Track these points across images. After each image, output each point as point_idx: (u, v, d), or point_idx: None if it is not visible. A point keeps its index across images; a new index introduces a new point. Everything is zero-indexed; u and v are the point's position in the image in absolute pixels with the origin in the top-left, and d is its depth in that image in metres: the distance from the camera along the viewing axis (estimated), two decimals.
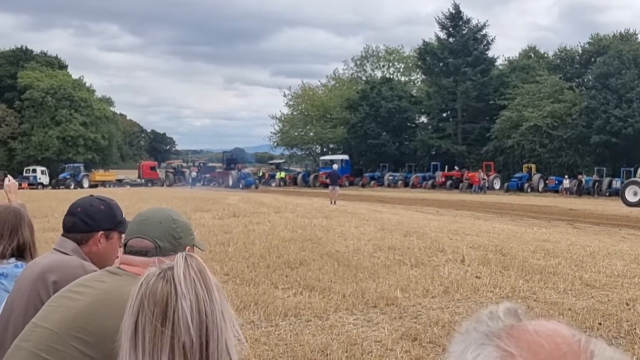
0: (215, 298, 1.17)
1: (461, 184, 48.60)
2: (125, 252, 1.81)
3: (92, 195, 2.43)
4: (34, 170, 55.08)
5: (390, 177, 55.53)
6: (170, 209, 1.93)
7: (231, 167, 55.87)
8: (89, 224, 2.29)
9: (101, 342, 1.56)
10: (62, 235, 2.34)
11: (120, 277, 1.73)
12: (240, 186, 49.40)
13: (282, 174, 59.05)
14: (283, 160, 68.50)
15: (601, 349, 0.61)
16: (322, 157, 62.03)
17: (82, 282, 1.78)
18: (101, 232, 2.30)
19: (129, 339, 1.15)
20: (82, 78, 70.01)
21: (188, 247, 1.82)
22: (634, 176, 37.05)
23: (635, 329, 5.75)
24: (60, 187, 50.52)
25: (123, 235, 2.28)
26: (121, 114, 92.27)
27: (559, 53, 59.80)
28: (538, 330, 0.63)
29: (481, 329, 0.65)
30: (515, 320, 0.66)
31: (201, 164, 68.15)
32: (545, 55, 62.22)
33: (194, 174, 58.74)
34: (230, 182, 51.73)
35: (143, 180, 60.05)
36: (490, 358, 0.61)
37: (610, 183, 44.14)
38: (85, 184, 53.59)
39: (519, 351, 0.60)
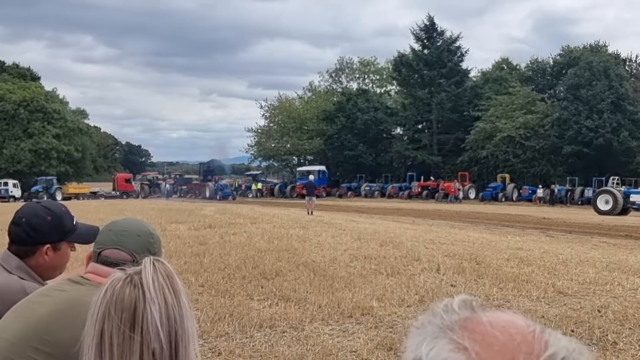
0: (183, 304, 1.14)
1: (437, 194, 49.04)
2: (97, 261, 1.74)
3: (39, 203, 2.25)
4: (6, 184, 54.16)
5: (367, 188, 55.81)
6: (146, 222, 1.87)
7: (208, 178, 55.35)
8: (33, 236, 2.11)
9: (60, 353, 1.52)
10: (8, 248, 2.16)
11: (83, 287, 1.68)
12: (218, 197, 49.04)
13: (259, 185, 58.94)
14: (260, 172, 68.33)
15: (556, 339, 0.61)
16: (299, 168, 62.01)
17: (42, 291, 1.73)
18: (47, 246, 2.12)
19: (94, 347, 1.10)
20: (55, 90, 69.28)
21: None
22: (606, 185, 37.76)
23: (607, 335, 5.82)
24: (33, 200, 49.58)
25: (73, 244, 2.21)
26: (95, 127, 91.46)
27: (530, 65, 60.85)
28: (492, 321, 0.63)
29: (436, 322, 0.65)
30: (470, 313, 0.65)
31: (177, 176, 67.69)
32: (518, 67, 63.23)
33: (168, 185, 58.30)
34: (208, 194, 51.33)
35: (118, 193, 59.47)
36: (443, 351, 0.61)
37: (582, 192, 44.91)
38: (59, 196, 52.78)
39: (472, 343, 0.60)
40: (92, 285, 1.67)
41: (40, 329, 1.57)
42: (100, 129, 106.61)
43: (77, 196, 56.25)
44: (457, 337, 0.61)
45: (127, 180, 63.32)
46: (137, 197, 58.15)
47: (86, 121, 73.28)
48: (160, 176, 70.72)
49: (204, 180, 56.03)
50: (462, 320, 0.64)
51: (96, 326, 1.12)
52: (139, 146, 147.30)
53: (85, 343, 1.13)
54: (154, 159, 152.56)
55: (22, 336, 1.57)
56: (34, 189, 54.11)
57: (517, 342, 0.59)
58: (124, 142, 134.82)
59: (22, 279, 2.10)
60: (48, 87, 68.90)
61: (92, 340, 1.11)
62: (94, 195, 58.63)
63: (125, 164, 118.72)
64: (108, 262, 1.72)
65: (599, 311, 6.75)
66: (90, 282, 1.69)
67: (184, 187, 59.39)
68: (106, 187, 64.37)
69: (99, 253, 1.75)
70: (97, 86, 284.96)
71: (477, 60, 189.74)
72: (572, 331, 5.96)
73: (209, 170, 58.02)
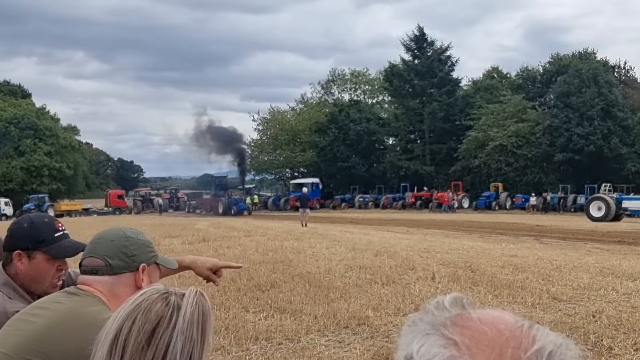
0: (206, 345, 1.15)
1: (431, 204, 49.14)
2: (81, 273, 1.78)
3: (29, 212, 2.36)
4: None
5: (361, 199, 55.83)
6: (127, 228, 1.89)
7: (221, 193, 53.39)
8: (9, 242, 2.20)
9: None
10: None
11: (79, 298, 1.70)
12: (232, 212, 47.55)
13: (256, 199, 58.85)
14: (253, 185, 68.23)
15: (544, 334, 0.63)
16: (293, 181, 61.97)
17: (39, 304, 1.75)
18: (17, 251, 2.17)
19: (108, 344, 1.11)
20: (44, 106, 69.06)
21: (143, 265, 1.78)
22: (598, 192, 37.91)
23: (602, 340, 5.83)
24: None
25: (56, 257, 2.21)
26: (87, 143, 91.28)
27: (521, 73, 61.23)
28: (482, 317, 0.65)
29: (427, 319, 0.67)
30: (460, 310, 0.67)
31: (173, 191, 67.50)
32: (508, 75, 63.63)
33: (161, 200, 57.98)
34: (221, 209, 49.17)
35: (110, 209, 59.32)
36: (434, 346, 0.62)
37: (575, 199, 45.11)
38: (51, 214, 52.53)
39: (462, 338, 0.62)
40: (87, 296, 1.70)
41: (37, 342, 1.58)
42: (92, 145, 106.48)
43: (69, 213, 56.09)
44: (447, 333, 0.63)
45: (120, 197, 63.32)
46: (130, 213, 58.06)
47: (78, 137, 73.01)
48: (152, 192, 70.61)
49: (217, 195, 53.91)
50: (452, 317, 0.66)
51: (117, 323, 1.13)
52: (132, 162, 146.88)
53: (102, 337, 1.13)
54: (146, 175, 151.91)
55: (19, 349, 1.58)
56: (25, 206, 53.86)
57: (505, 336, 0.61)
58: (116, 158, 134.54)
59: (8, 297, 2.11)
60: (39, 104, 68.88)
61: (109, 336, 1.12)
62: (87, 212, 58.49)
63: (118, 180, 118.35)
64: (86, 270, 1.76)
65: (593, 316, 6.76)
66: (85, 292, 1.72)
67: (193, 202, 58.07)
68: (98, 203, 64.25)
69: (80, 264, 1.80)
70: (89, 102, 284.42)
71: (470, 70, 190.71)
72: (567, 337, 5.96)
73: (222, 185, 56.07)
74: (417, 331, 0.66)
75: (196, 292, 1.18)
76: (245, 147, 59.86)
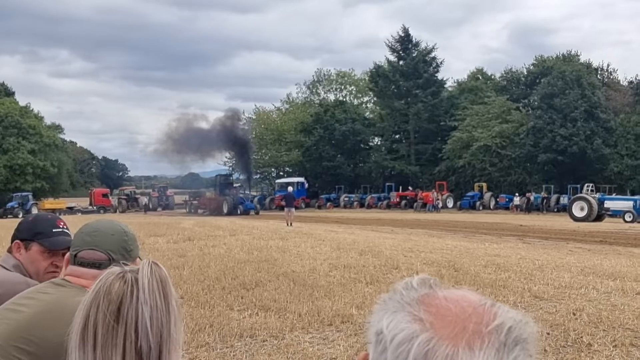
0: (172, 309, 1.18)
1: (415, 204, 49.37)
2: (74, 264, 1.79)
3: (40, 211, 2.49)
4: None
5: (346, 198, 55.94)
6: (119, 222, 1.92)
7: (225, 192, 50.26)
8: (14, 233, 2.41)
9: (44, 353, 1.57)
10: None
11: (65, 289, 1.73)
12: (239, 212, 45.09)
13: None
14: (239, 185, 67.96)
15: (504, 311, 0.68)
16: (278, 180, 61.83)
17: (26, 294, 1.77)
18: (16, 241, 2.37)
19: (79, 333, 1.15)
20: (29, 105, 68.33)
21: (137, 259, 1.84)
22: (580, 192, 38.32)
23: (581, 337, 5.92)
24: (8, 216, 49.11)
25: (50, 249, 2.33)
26: (71, 141, 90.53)
27: (505, 75, 61.70)
28: (447, 296, 0.70)
29: (396, 298, 0.72)
30: (427, 290, 0.72)
31: (161, 189, 66.90)
32: (492, 77, 64.08)
33: (145, 199, 57.36)
34: (225, 209, 46.37)
35: (95, 208, 58.88)
36: (401, 322, 0.67)
37: (558, 199, 45.56)
38: (35, 212, 51.98)
39: (427, 315, 0.67)
40: (74, 287, 1.73)
41: (25, 330, 1.62)
42: (76, 143, 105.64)
43: (53, 212, 55.41)
44: (414, 310, 0.68)
45: (105, 195, 62.81)
46: (115, 211, 57.67)
47: (62, 136, 72.38)
48: (137, 190, 70.16)
49: (221, 194, 50.69)
50: (420, 296, 0.71)
51: (82, 312, 1.16)
52: (116, 160, 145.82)
53: (72, 329, 1.17)
54: (131, 173, 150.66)
55: (7, 337, 1.62)
56: (9, 205, 53.35)
57: (468, 313, 0.67)
58: (100, 157, 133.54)
59: None
60: (23, 102, 68.14)
61: (78, 326, 1.16)
62: (71, 210, 57.95)
63: (102, 179, 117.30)
64: (85, 263, 1.77)
65: (574, 314, 6.86)
66: (72, 284, 1.75)
67: (195, 201, 55.24)
68: (83, 202, 63.65)
69: (75, 255, 1.80)
70: (74, 101, 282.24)
71: (456, 71, 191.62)
72: (548, 334, 6.05)
73: (227, 183, 53.13)
74: (387, 309, 0.71)
75: (149, 262, 1.21)
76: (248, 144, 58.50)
